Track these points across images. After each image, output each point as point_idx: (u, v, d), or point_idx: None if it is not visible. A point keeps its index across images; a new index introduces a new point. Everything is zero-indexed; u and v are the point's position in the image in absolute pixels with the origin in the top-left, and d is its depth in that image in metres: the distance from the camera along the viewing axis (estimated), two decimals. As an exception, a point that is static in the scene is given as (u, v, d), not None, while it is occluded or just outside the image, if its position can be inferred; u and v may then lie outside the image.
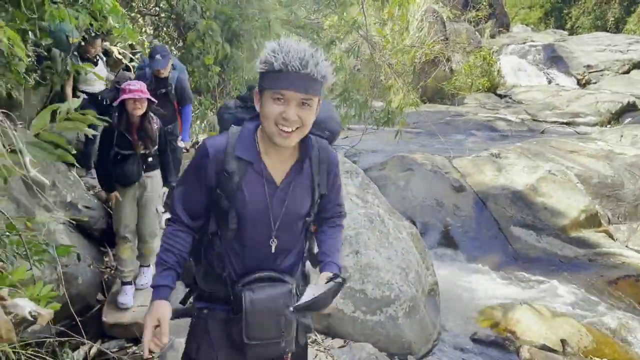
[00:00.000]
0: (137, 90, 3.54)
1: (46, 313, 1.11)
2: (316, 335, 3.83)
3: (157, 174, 3.90)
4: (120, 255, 3.85)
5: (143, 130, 3.67)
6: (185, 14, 5.68)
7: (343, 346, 3.74)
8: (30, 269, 2.62)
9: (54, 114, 1.60)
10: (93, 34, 5.00)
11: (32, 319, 1.07)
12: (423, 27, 14.67)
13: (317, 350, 3.63)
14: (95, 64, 5.21)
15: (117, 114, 3.61)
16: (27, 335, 3.00)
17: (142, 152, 3.71)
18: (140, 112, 3.59)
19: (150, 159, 3.78)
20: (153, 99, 3.69)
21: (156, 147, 3.82)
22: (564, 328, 4.52)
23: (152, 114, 3.78)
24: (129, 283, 3.89)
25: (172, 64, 4.85)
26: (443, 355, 4.21)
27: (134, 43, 6.23)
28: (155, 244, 3.88)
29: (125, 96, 3.52)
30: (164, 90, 4.72)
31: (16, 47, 2.48)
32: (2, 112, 1.35)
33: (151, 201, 3.87)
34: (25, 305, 1.07)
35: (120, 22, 3.76)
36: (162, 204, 3.88)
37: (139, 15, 7.64)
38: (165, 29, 8.07)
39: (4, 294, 1.08)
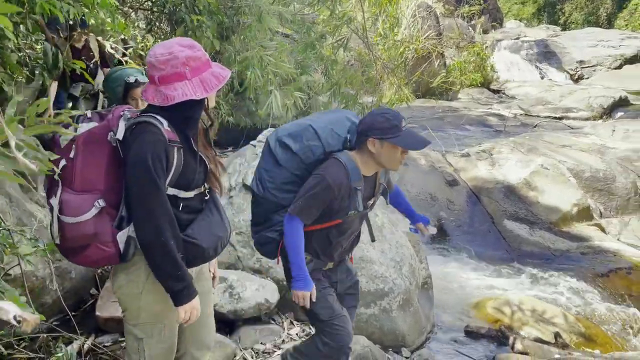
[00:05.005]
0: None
1: (32, 319, 1.06)
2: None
3: None
4: None
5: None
6: (176, 8, 5.63)
7: (337, 339, 3.75)
8: (19, 264, 2.61)
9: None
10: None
11: (16, 324, 1.04)
12: (416, 22, 14.66)
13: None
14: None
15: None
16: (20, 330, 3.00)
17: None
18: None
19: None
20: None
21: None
22: (556, 320, 4.55)
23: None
24: None
25: None
26: (436, 347, 4.24)
27: (126, 37, 6.18)
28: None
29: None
30: None
31: (8, 33, 2.39)
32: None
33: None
34: (9, 309, 1.03)
35: (111, 15, 3.72)
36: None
37: (131, 10, 7.59)
38: (157, 23, 8.02)
39: (-13, 294, 1.04)
